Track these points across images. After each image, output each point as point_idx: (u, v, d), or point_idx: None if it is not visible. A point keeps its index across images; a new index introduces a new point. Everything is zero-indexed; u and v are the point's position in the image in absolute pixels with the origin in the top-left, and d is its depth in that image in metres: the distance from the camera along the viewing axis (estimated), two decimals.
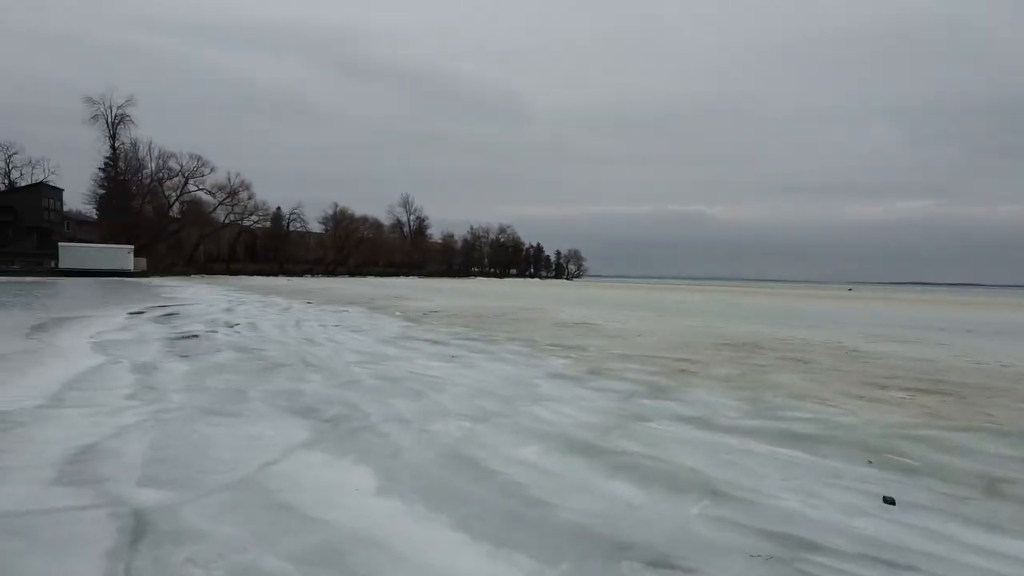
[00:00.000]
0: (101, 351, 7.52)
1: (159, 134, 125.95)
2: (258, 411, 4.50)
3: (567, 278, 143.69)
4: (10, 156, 62.94)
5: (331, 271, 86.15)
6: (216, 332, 10.01)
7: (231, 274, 69.13)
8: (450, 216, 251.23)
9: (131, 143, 64.76)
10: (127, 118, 62.46)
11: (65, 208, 65.28)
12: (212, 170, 69.34)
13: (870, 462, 3.54)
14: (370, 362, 7.01)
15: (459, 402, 4.97)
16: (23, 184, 61.14)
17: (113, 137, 61.09)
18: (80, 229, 63.75)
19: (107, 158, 62.88)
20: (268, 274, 72.67)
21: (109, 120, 60.70)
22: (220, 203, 72.97)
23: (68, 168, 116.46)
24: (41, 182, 61.02)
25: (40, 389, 5.08)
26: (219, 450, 3.52)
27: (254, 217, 79.20)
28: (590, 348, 8.66)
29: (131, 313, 14.15)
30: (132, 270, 52.02)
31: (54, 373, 5.87)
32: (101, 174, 62.84)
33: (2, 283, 34.24)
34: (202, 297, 22.38)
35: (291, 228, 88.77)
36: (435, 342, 9.07)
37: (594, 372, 6.60)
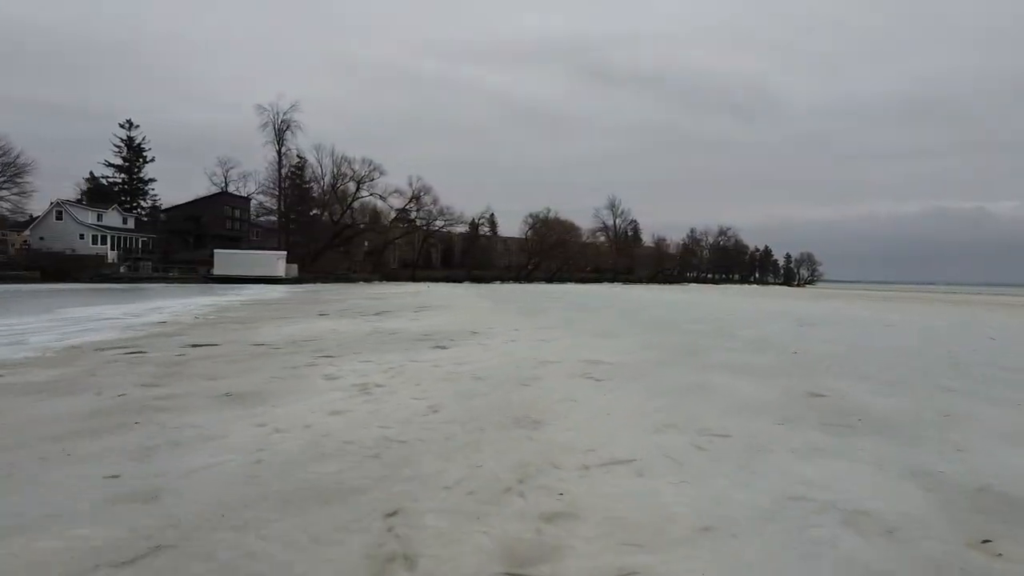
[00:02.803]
0: None
1: (421, 150, 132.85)
2: None
3: (797, 284, 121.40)
4: (227, 170, 68.78)
5: (526, 276, 79.77)
6: None
7: (415, 280, 65.35)
8: (677, 220, 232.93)
9: (314, 150, 66.47)
10: (293, 123, 62.87)
11: (258, 217, 69.52)
12: (382, 174, 67.75)
13: None
14: None
15: None
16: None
17: (279, 143, 61.94)
18: (268, 237, 67.03)
19: (292, 167, 65.19)
20: (455, 280, 67.78)
21: (276, 127, 61.74)
22: (403, 208, 71.82)
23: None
24: (223, 191, 64.91)
25: None
26: None
27: (439, 222, 76.71)
28: None
29: None
30: (283, 276, 51.23)
31: None
32: (274, 183, 64.97)
33: (122, 288, 33.23)
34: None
35: (485, 233, 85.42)
36: None
37: None
